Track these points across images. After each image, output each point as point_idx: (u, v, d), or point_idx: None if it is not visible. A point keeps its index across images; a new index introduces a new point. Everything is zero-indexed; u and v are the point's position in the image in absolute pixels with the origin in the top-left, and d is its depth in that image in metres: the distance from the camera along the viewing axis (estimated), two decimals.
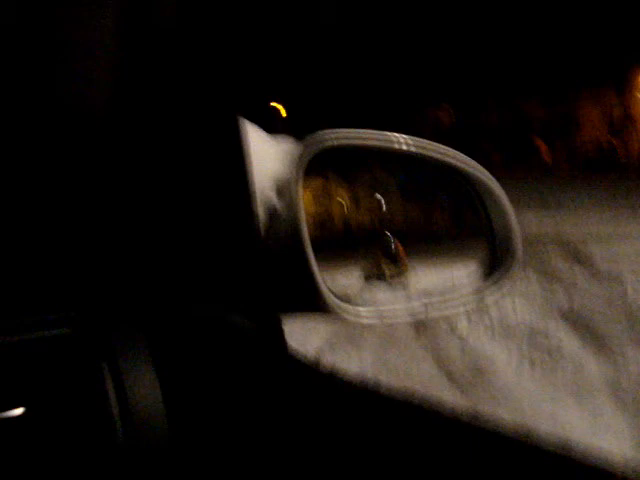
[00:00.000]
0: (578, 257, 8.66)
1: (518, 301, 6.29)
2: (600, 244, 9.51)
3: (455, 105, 60.99)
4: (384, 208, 1.13)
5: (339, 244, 1.05)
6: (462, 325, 5.63)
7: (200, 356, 0.79)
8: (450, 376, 4.59)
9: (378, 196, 1.13)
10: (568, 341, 5.26)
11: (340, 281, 0.98)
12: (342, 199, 1.08)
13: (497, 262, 1.09)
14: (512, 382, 4.44)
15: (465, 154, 1.04)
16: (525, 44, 53.28)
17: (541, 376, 4.56)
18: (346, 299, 0.89)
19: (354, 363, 4.80)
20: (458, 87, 57.03)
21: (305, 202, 0.95)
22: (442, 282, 1.07)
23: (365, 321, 0.90)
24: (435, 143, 1.02)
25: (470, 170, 1.05)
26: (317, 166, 0.95)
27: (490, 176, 1.05)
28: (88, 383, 0.69)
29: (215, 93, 0.77)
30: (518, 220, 1.08)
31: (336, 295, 0.86)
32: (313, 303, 0.84)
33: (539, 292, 6.83)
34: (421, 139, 1.01)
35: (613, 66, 48.99)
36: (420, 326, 5.39)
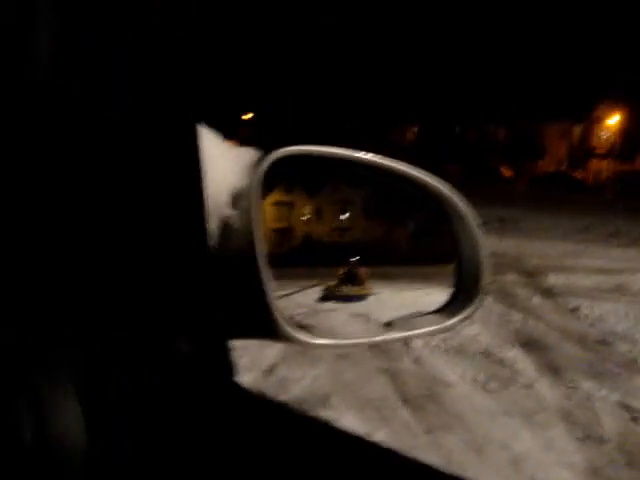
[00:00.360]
0: (538, 288, 8.74)
1: (475, 326, 6.29)
2: (560, 276, 9.64)
3: (421, 124, 62.24)
4: (346, 223, 1.08)
5: (299, 259, 1.00)
6: (417, 347, 5.59)
7: (132, 381, 0.71)
8: (404, 398, 4.53)
9: (342, 212, 1.08)
10: (523, 368, 5.26)
11: (297, 299, 0.93)
12: (304, 212, 1.03)
13: (462, 290, 1.04)
14: (465, 407, 4.40)
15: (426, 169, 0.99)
16: (495, 72, 54.59)
17: (494, 402, 4.54)
18: (301, 325, 0.84)
19: (307, 378, 4.71)
20: (425, 107, 58.09)
21: (265, 215, 0.92)
22: (403, 306, 1.03)
23: (319, 342, 0.84)
24: (399, 161, 0.97)
25: (438, 188, 1.00)
26: (279, 178, 0.91)
27: (459, 197, 1.00)
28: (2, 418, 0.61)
29: (176, 95, 0.72)
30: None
31: (289, 322, 0.80)
32: (266, 329, 0.78)
33: (497, 319, 6.86)
34: (385, 156, 0.96)
35: (576, 99, 50.45)
36: (376, 346, 5.34)
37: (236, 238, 0.78)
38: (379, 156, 0.95)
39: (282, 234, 1.00)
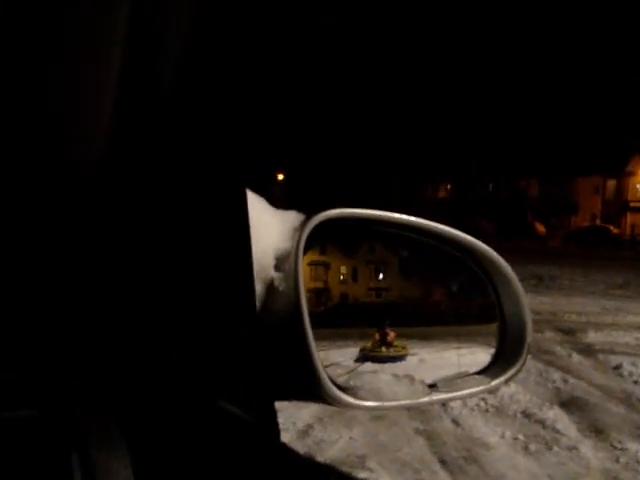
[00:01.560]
0: (578, 345, 8.55)
1: (514, 386, 6.15)
2: (600, 333, 9.43)
3: (454, 181, 62.50)
4: (383, 283, 1.08)
5: (335, 317, 1.00)
6: (455, 405, 5.48)
7: (183, 445, 0.71)
8: (442, 459, 4.42)
9: (378, 273, 1.08)
10: (565, 429, 5.11)
11: (335, 358, 0.92)
12: (340, 272, 1.04)
13: (505, 351, 1.04)
14: (506, 469, 4.27)
15: (462, 225, 1.00)
16: (526, 128, 54.80)
17: (536, 464, 4.40)
18: (346, 387, 0.84)
19: (343, 440, 4.63)
20: (457, 164, 58.40)
21: (303, 274, 0.91)
22: (445, 367, 1.02)
23: (365, 404, 0.83)
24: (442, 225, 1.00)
25: (483, 249, 1.01)
26: (317, 239, 0.91)
27: (501, 259, 1.01)
28: (53, 474, 0.62)
29: (221, 159, 0.73)
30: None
31: (335, 384, 0.80)
32: (312, 391, 0.78)
33: (535, 378, 6.70)
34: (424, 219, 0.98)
35: (609, 153, 50.28)
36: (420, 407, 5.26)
37: (281, 300, 0.78)
38: (421, 219, 0.97)
39: (318, 294, 0.99)
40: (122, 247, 0.70)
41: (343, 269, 1.04)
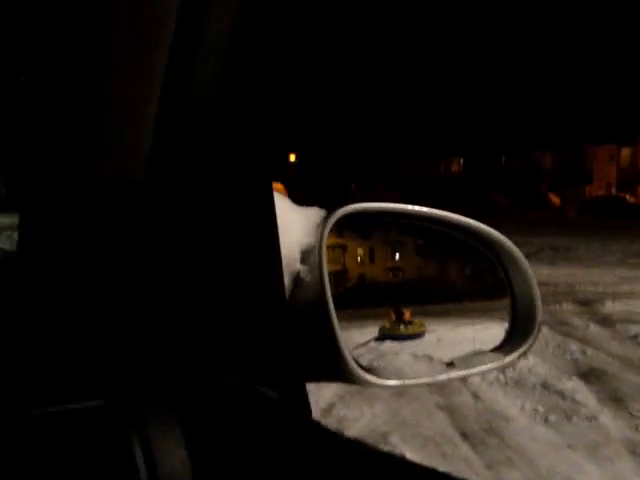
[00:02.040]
0: (595, 316, 8.57)
1: (532, 358, 6.20)
2: (617, 303, 9.43)
3: (466, 155, 62.08)
4: (399, 263, 1.14)
5: (354, 299, 1.04)
6: (475, 381, 5.54)
7: (229, 427, 0.77)
8: (463, 433, 4.50)
9: (394, 253, 1.14)
10: (584, 399, 5.16)
11: (356, 338, 0.97)
12: (357, 254, 1.08)
13: (518, 328, 1.09)
14: (526, 440, 4.34)
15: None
16: (540, 98, 54.15)
17: (556, 434, 4.47)
18: (369, 367, 0.90)
19: (365, 417, 4.72)
20: (469, 138, 57.92)
21: None
22: (462, 343, 1.07)
23: (388, 383, 0.89)
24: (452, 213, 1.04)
25: (491, 233, 1.06)
26: (336, 228, 0.96)
27: (510, 242, 1.06)
28: (118, 455, 0.68)
29: (254, 159, 0.79)
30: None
31: (360, 365, 0.86)
32: (339, 374, 0.84)
33: (554, 350, 6.75)
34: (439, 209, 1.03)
35: (623, 121, 49.58)
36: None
37: (307, 290, 0.84)
38: (435, 209, 1.02)
39: (337, 276, 1.02)
40: (155, 244, 0.75)
41: (360, 251, 1.08)
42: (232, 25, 0.69)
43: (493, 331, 1.12)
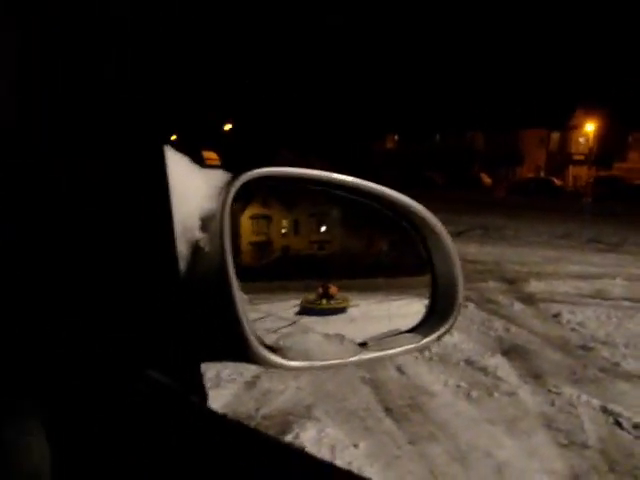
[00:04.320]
0: (520, 294, 8.79)
1: (457, 335, 6.30)
2: (541, 282, 9.70)
3: (402, 134, 62.74)
4: (325, 236, 1.09)
5: (278, 272, 1.01)
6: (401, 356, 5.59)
7: (109, 417, 0.69)
8: (388, 407, 4.52)
9: (320, 225, 1.09)
10: (506, 376, 5.27)
11: (276, 310, 0.94)
12: (282, 226, 1.05)
13: (437, 308, 1.04)
14: (449, 416, 4.40)
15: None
16: (472, 80, 55.08)
17: (477, 410, 4.54)
18: (276, 347, 0.83)
19: (290, 390, 4.69)
20: (405, 117, 58.55)
21: (244, 228, 0.94)
22: (379, 322, 1.03)
23: (293, 364, 0.83)
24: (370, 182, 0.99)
25: (411, 204, 1.00)
26: (255, 194, 0.94)
27: (431, 214, 1.01)
28: None
29: (143, 117, 0.72)
30: (459, 249, 1.01)
31: (264, 344, 0.80)
32: (240, 352, 0.78)
33: (478, 327, 6.88)
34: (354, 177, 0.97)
35: (553, 106, 51.06)
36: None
37: (207, 261, 0.77)
38: (350, 177, 0.96)
39: (260, 247, 1.00)
40: (34, 216, 0.67)
41: (284, 222, 1.05)
42: None
43: (414, 306, 1.08)
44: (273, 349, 0.82)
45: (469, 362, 5.60)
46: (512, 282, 9.74)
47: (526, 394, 4.87)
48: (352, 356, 0.90)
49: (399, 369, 5.27)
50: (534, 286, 9.44)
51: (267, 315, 0.92)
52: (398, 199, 0.99)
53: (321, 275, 1.02)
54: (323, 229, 1.10)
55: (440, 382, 5.06)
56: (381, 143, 66.23)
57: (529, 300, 8.45)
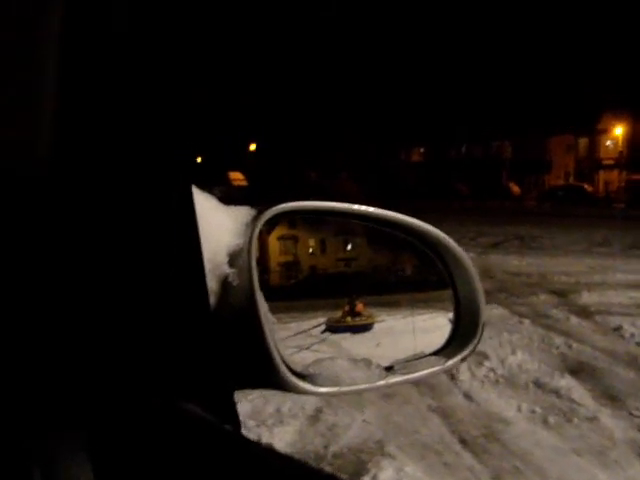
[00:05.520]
0: (573, 307, 8.44)
1: (520, 354, 5.99)
2: (593, 293, 9.35)
3: (428, 143, 62.45)
4: (351, 254, 1.13)
5: (307, 291, 1.05)
6: (465, 379, 5.29)
7: (145, 450, 0.73)
8: (462, 439, 4.22)
9: (346, 244, 1.13)
10: (580, 398, 4.94)
11: (305, 328, 0.97)
12: (309, 245, 1.08)
13: (461, 330, 1.07)
14: (529, 446, 4.09)
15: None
16: (501, 88, 54.74)
17: (560, 438, 4.22)
18: (304, 374, 0.87)
19: (356, 423, 4.41)
20: (431, 129, 58.32)
21: (272, 249, 0.99)
22: (404, 342, 1.05)
23: (323, 390, 0.87)
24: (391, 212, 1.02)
25: (432, 232, 1.03)
26: (269, 231, 0.96)
27: (455, 243, 1.04)
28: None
29: (170, 157, 0.74)
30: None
31: (293, 371, 0.84)
32: (270, 381, 0.82)
33: (539, 344, 6.55)
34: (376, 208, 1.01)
35: (580, 111, 50.39)
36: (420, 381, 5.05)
37: (236, 295, 0.81)
38: (371, 207, 0.99)
39: (288, 267, 1.04)
40: (60, 248, 0.69)
41: (311, 242, 1.08)
42: None
43: (440, 319, 1.11)
44: (302, 376, 0.85)
45: (538, 384, 5.28)
46: (562, 294, 9.41)
47: (607, 419, 4.53)
48: (379, 380, 0.93)
49: (466, 395, 4.98)
50: (587, 298, 9.11)
51: (296, 333, 0.95)
52: (419, 227, 1.03)
53: (349, 292, 1.04)
54: (349, 247, 1.13)
55: (512, 408, 4.75)
56: (407, 156, 65.96)
57: (584, 313, 8.11)
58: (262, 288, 0.81)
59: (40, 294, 0.67)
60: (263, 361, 0.79)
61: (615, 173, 52.86)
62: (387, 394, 4.78)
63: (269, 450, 0.93)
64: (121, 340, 0.71)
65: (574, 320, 7.72)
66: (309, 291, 1.04)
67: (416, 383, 4.85)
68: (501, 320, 7.64)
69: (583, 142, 57.19)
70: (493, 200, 40.95)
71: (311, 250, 1.07)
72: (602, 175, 54.39)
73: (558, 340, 6.71)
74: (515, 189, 51.13)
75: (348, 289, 1.06)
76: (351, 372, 0.90)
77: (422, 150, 65.74)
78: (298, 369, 0.86)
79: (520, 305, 8.64)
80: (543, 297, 9.20)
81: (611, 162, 54.01)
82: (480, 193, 44.64)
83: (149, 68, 0.69)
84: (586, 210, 31.91)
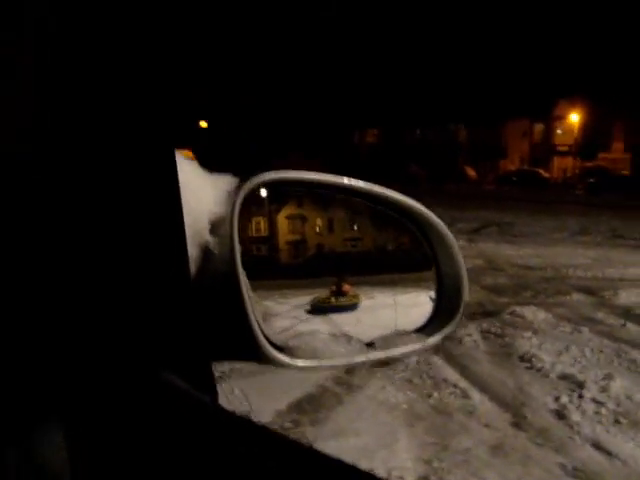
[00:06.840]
0: (616, 310, 7.40)
1: (619, 380, 4.85)
2: (624, 292, 8.37)
3: (382, 127, 61.60)
4: (357, 233, 1.13)
5: (313, 269, 1.04)
6: (577, 419, 4.09)
7: (129, 421, 0.67)
8: None
9: (352, 224, 1.13)
10: None
11: (291, 313, 0.96)
12: (316, 224, 1.07)
13: (443, 308, 1.07)
14: None
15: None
16: (456, 72, 54.32)
17: None
18: (283, 346, 0.87)
19: None
20: (387, 110, 57.49)
21: (281, 228, 1.00)
22: (386, 320, 1.03)
23: (301, 363, 0.87)
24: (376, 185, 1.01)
25: (418, 209, 1.03)
26: (253, 202, 0.93)
27: (436, 217, 1.04)
28: None
29: (153, 122, 0.70)
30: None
31: (272, 344, 0.84)
32: (250, 352, 0.82)
33: (620, 362, 5.47)
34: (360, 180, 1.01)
35: (536, 97, 50.41)
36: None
37: (217, 263, 0.81)
38: (358, 180, 0.99)
39: (296, 246, 1.04)
40: (43, 219, 0.64)
41: (319, 221, 1.08)
42: None
43: (419, 309, 1.10)
44: (281, 348, 0.86)
45: None
46: (592, 293, 8.39)
47: None
48: (359, 355, 0.94)
49: (598, 447, 3.75)
50: (624, 298, 8.08)
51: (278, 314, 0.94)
52: (401, 202, 1.02)
53: (346, 272, 1.04)
54: (355, 227, 1.13)
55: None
56: (361, 137, 64.89)
57: (635, 317, 7.05)
58: (270, 265, 0.88)
59: (16, 264, 0.62)
60: (242, 332, 0.80)
61: (569, 159, 53.08)
62: (496, 446, 3.54)
63: (245, 420, 0.82)
64: (99, 308, 0.68)
65: (632, 327, 6.65)
66: (315, 269, 1.03)
67: (517, 424, 3.64)
68: (552, 327, 6.56)
69: (538, 128, 57.32)
70: (450, 184, 40.39)
71: (318, 229, 1.07)
72: (557, 161, 54.60)
73: (636, 354, 5.62)
74: (471, 173, 50.86)
75: (347, 269, 1.06)
76: (331, 346, 0.91)
77: (375, 132, 64.74)
78: (278, 342, 0.87)
79: (557, 306, 7.56)
80: (575, 296, 8.15)
81: (565, 149, 54.21)
82: (436, 177, 43.97)
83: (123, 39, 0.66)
84: (545, 195, 31.52)
